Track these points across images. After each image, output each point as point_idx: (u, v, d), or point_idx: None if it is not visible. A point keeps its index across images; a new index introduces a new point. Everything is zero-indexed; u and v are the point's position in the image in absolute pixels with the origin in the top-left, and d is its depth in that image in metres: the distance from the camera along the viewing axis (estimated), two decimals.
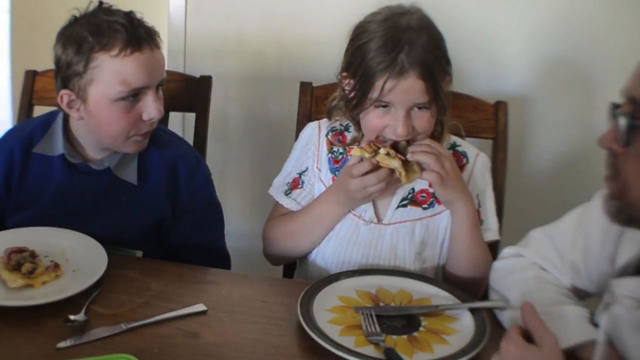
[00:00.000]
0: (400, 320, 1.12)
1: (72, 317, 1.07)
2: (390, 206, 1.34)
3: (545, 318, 0.95)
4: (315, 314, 1.11)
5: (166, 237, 1.43)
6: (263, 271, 1.50)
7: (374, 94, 1.21)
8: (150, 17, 1.33)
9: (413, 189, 1.34)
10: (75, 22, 1.28)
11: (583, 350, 0.96)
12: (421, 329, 1.10)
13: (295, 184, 1.41)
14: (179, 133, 1.83)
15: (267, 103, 2.05)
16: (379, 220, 1.34)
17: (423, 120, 1.23)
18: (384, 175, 1.23)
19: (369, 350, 1.03)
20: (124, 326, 1.07)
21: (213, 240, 1.48)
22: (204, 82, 1.68)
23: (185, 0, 2.00)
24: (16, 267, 1.15)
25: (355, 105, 1.25)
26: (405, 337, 1.08)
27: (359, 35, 1.24)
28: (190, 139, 1.64)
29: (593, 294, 1.13)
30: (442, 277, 1.36)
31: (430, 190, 1.33)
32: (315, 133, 1.41)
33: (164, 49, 1.34)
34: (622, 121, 0.86)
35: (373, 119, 1.25)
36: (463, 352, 1.03)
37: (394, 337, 1.08)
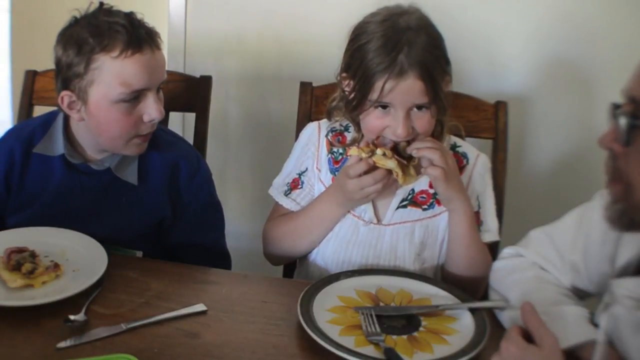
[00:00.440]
0: (400, 320, 1.12)
1: (72, 317, 1.07)
2: (390, 207, 1.34)
3: (545, 318, 0.95)
4: (315, 314, 1.11)
5: (166, 237, 1.43)
6: (263, 271, 1.50)
7: (374, 95, 1.21)
8: (150, 17, 1.33)
9: (413, 190, 1.34)
10: (75, 23, 1.28)
11: (583, 350, 0.96)
12: (421, 329, 1.11)
13: (295, 184, 1.41)
14: (179, 133, 1.82)
15: (267, 103, 2.05)
16: (379, 221, 1.34)
17: (423, 120, 1.23)
18: (380, 176, 1.23)
19: (369, 350, 1.03)
20: (124, 326, 1.07)
21: (213, 240, 1.48)
22: (204, 82, 1.68)
23: (185, 0, 2.00)
24: (16, 267, 1.15)
25: (355, 106, 1.25)
26: (405, 337, 1.08)
27: (358, 36, 1.24)
28: (190, 139, 1.64)
29: (593, 294, 1.13)
30: (441, 277, 1.36)
31: (431, 191, 1.33)
32: (315, 133, 1.41)
33: (164, 49, 1.34)
34: (623, 121, 0.86)
35: (373, 120, 1.25)
36: (463, 352, 1.03)
37: (394, 337, 1.08)
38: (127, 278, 1.22)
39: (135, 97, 1.27)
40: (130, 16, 1.27)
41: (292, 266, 1.53)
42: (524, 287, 1.13)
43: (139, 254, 1.39)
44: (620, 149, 0.88)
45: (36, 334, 1.05)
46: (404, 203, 1.34)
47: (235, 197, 2.14)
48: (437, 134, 1.32)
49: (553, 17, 1.83)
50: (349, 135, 1.38)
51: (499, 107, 1.56)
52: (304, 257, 1.42)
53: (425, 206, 1.34)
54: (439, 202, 1.32)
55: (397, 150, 1.25)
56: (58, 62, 1.28)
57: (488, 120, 1.56)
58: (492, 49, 1.88)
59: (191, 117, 1.72)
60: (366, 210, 1.34)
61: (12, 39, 2.64)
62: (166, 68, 1.35)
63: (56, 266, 1.18)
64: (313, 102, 1.59)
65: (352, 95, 1.25)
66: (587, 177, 1.60)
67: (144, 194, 1.38)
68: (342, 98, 1.32)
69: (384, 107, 1.23)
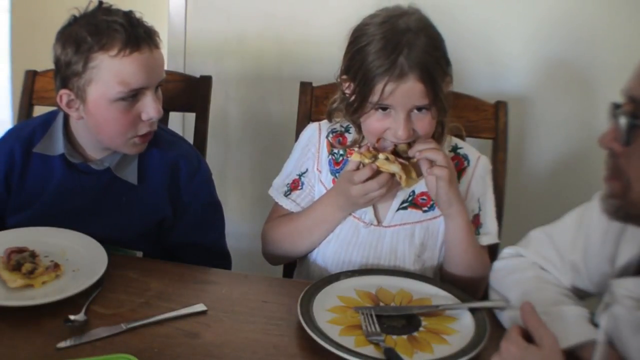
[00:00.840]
0: (400, 320, 1.12)
1: (72, 317, 1.07)
2: (390, 209, 1.34)
3: (545, 318, 0.95)
4: (315, 314, 1.11)
5: (166, 237, 1.43)
6: (263, 271, 1.50)
7: (374, 98, 1.20)
8: (150, 17, 1.32)
9: (413, 192, 1.34)
10: (74, 22, 1.28)
11: (583, 350, 0.96)
12: (421, 329, 1.10)
13: (295, 185, 1.41)
14: (179, 133, 1.83)
15: (267, 103, 2.05)
16: (379, 223, 1.34)
17: (424, 122, 1.23)
18: (384, 181, 1.23)
19: (369, 350, 1.03)
20: (124, 326, 1.07)
21: (213, 240, 1.48)
22: (204, 82, 1.68)
23: (185, 0, 2.00)
24: (16, 267, 1.15)
25: (356, 108, 1.25)
26: (405, 337, 1.08)
27: (358, 39, 1.24)
28: (190, 139, 1.64)
29: (593, 294, 1.13)
30: (440, 277, 1.36)
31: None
32: (316, 134, 1.41)
33: (164, 49, 1.34)
34: (623, 121, 0.87)
35: (373, 122, 1.24)
36: (463, 352, 1.03)
37: (394, 337, 1.08)
38: (127, 278, 1.22)
39: (133, 96, 1.27)
40: (129, 15, 1.27)
41: (292, 266, 1.53)
42: (524, 287, 1.13)
43: (139, 254, 1.38)
44: (621, 148, 0.88)
45: (36, 334, 1.05)
46: (405, 205, 1.34)
47: (235, 197, 2.14)
48: (437, 135, 1.32)
49: (553, 17, 1.83)
50: (350, 137, 1.38)
51: (499, 107, 1.56)
52: (304, 257, 1.42)
53: (426, 208, 1.34)
54: None
55: (396, 152, 1.25)
56: (57, 60, 1.28)
57: (488, 120, 1.56)
58: (492, 49, 1.88)
59: (191, 117, 1.72)
60: (367, 212, 1.33)
61: (12, 39, 2.65)
62: (166, 68, 1.35)
63: (56, 266, 1.18)
64: (313, 102, 1.59)
65: (353, 98, 1.25)
66: (587, 177, 1.59)
67: (144, 194, 1.38)
68: (342, 100, 1.31)
69: (385, 109, 1.22)
